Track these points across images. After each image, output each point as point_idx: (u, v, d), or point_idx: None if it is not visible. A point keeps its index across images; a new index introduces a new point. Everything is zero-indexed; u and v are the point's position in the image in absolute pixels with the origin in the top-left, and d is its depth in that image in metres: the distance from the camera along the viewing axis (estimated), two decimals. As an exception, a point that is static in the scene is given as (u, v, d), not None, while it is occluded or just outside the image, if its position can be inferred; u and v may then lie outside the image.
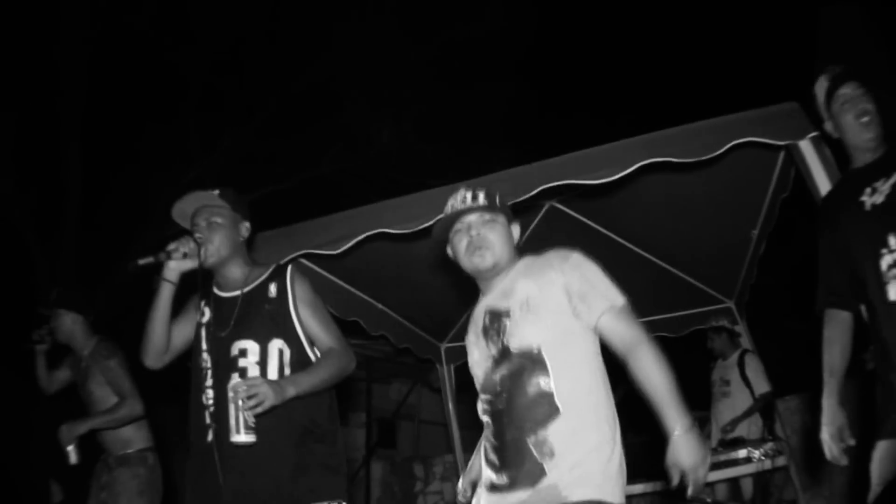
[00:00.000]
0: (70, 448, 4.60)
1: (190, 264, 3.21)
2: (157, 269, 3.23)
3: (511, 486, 2.51)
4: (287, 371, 3.17)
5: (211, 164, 12.91)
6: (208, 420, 3.13)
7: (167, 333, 3.28)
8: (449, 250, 2.87)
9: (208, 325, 3.28)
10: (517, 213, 4.24)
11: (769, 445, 5.42)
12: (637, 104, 11.52)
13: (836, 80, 3.08)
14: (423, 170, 11.73)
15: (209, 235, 3.25)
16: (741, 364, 6.70)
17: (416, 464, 8.73)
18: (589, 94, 12.93)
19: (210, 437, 3.10)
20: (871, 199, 2.95)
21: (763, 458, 5.38)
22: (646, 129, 4.18)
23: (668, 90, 12.13)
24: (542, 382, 2.50)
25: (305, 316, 3.22)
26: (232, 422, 2.96)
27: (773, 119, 3.84)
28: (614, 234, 6.27)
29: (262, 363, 3.16)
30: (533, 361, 2.53)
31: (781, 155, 4.40)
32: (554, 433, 2.47)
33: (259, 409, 2.86)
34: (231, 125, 12.97)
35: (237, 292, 3.30)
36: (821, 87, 3.14)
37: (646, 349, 2.51)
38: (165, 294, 3.24)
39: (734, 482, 6.35)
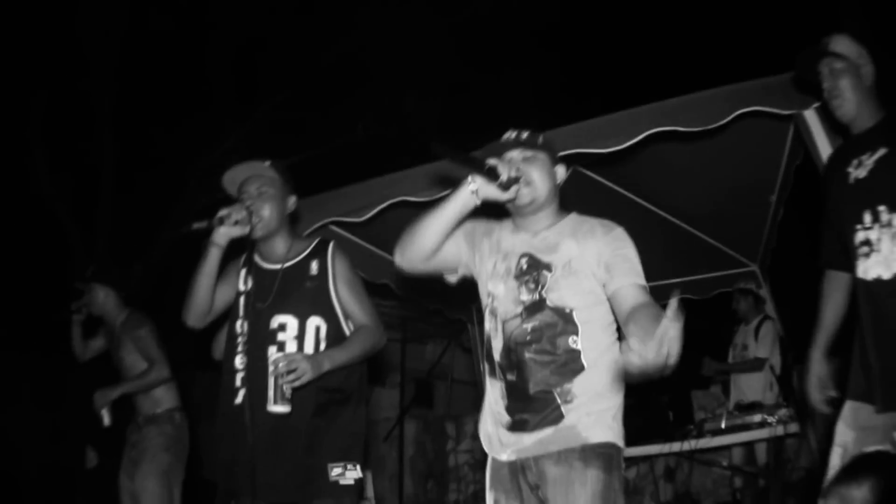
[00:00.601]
0: (103, 412, 4.93)
1: (239, 231, 3.30)
2: (208, 233, 3.31)
3: (532, 426, 2.65)
4: (322, 346, 3.31)
5: (243, 136, 12.95)
6: (238, 384, 3.29)
7: (212, 295, 3.37)
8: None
9: (248, 294, 3.37)
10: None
11: (783, 412, 5.47)
12: (657, 73, 11.41)
13: (819, 55, 3.14)
14: (448, 137, 11.83)
15: (259, 205, 3.34)
16: (757, 330, 6.75)
17: (448, 422, 8.88)
18: (610, 64, 12.92)
19: (239, 399, 3.26)
20: (856, 172, 3.02)
21: (777, 423, 5.43)
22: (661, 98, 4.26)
23: (686, 56, 12.01)
24: (571, 340, 2.64)
25: (343, 293, 3.34)
26: (270, 392, 3.08)
27: (779, 88, 3.88)
28: (639, 197, 6.32)
29: (300, 338, 3.31)
30: (566, 320, 2.65)
31: (792, 123, 4.42)
32: (578, 385, 2.62)
33: (297, 383, 3.06)
34: (263, 97, 13.07)
35: (278, 266, 3.40)
36: (808, 58, 3.20)
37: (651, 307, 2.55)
38: (213, 257, 3.32)
39: (749, 447, 6.41)
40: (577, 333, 2.65)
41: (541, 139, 2.83)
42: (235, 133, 13.01)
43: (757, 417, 5.65)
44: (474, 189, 2.64)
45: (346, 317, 3.36)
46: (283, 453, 3.23)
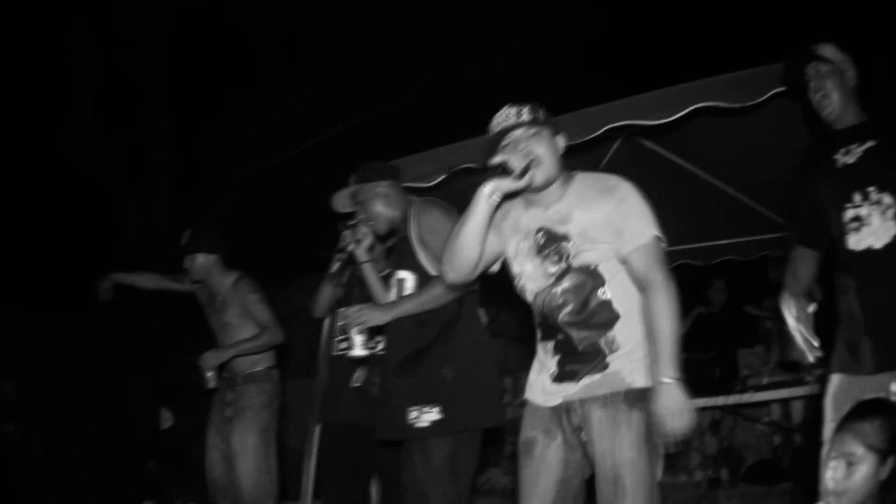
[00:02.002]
0: (210, 374, 5.03)
1: (367, 241, 3.93)
2: (350, 262, 4.01)
3: (581, 376, 2.82)
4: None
5: (295, 102, 13.14)
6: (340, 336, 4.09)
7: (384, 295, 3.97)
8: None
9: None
10: (592, 146, 4.70)
11: (820, 371, 5.44)
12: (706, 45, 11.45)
13: (806, 58, 3.42)
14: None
15: (367, 213, 3.92)
16: None
17: (506, 377, 8.86)
18: (654, 38, 12.99)
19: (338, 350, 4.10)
20: (844, 158, 3.30)
21: (814, 382, 5.62)
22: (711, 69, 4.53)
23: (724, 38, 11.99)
24: (601, 293, 2.81)
25: (425, 243, 3.74)
26: (349, 341, 3.71)
27: None
28: (685, 160, 6.57)
29: (399, 293, 3.80)
30: (592, 276, 2.81)
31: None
32: (619, 333, 2.81)
33: (362, 328, 3.65)
34: (315, 63, 13.15)
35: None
36: (796, 61, 3.49)
37: (661, 293, 2.75)
38: (368, 273, 4.00)
39: (786, 404, 6.76)
40: (604, 285, 2.80)
41: (540, 113, 2.89)
42: (287, 98, 13.19)
43: (794, 376, 5.94)
44: (489, 192, 2.75)
45: (435, 263, 3.65)
46: (383, 398, 3.77)
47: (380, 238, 4.05)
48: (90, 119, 12.37)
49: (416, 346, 3.66)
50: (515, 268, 2.99)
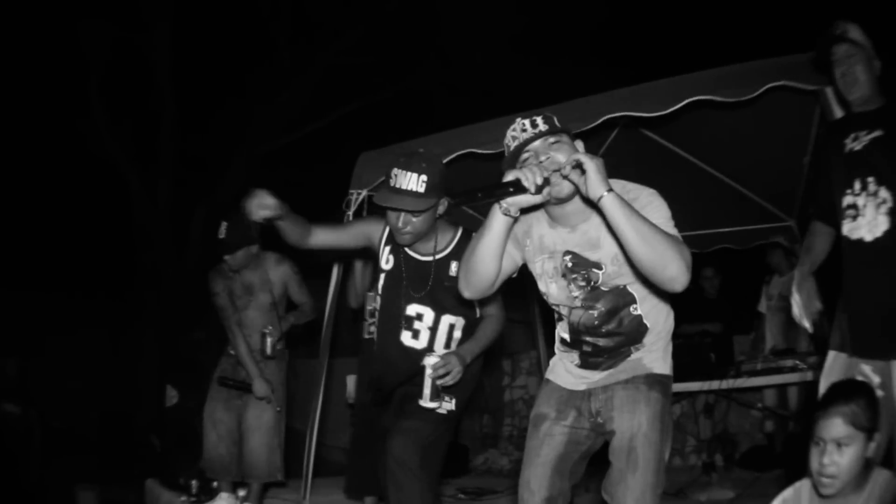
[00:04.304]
0: (269, 341, 5.18)
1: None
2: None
3: (604, 366, 2.90)
4: (454, 340, 3.61)
5: (304, 83, 13.16)
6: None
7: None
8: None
9: (391, 273, 3.62)
10: (591, 134, 4.73)
11: (814, 358, 5.67)
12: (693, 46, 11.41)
13: (833, 40, 3.44)
14: (512, 83, 11.56)
15: (405, 223, 3.43)
16: None
17: (505, 359, 9.05)
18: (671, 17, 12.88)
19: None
20: (852, 144, 3.38)
21: (808, 369, 5.68)
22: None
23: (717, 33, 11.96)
24: (632, 308, 2.83)
25: None
26: (427, 391, 3.45)
27: (805, 65, 4.18)
28: (683, 150, 6.65)
29: (433, 330, 3.59)
30: (623, 295, 2.82)
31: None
32: (646, 341, 2.88)
33: (448, 383, 3.43)
34: (323, 46, 13.16)
35: (430, 258, 3.56)
36: (823, 43, 3.50)
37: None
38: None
39: (782, 393, 6.78)
40: (635, 301, 2.82)
41: (556, 121, 2.78)
42: (296, 79, 13.21)
43: (789, 362, 5.93)
44: (505, 209, 2.63)
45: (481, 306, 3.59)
46: (393, 386, 3.74)
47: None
48: (99, 102, 12.44)
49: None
50: (541, 286, 2.96)
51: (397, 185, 3.36)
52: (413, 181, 3.34)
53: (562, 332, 3.01)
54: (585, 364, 2.95)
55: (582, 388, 2.94)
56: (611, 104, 4.68)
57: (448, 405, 3.57)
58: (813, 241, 3.65)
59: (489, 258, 2.75)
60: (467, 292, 2.87)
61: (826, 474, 2.74)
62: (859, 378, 3.21)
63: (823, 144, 3.68)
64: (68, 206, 13.14)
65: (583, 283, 2.82)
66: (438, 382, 3.42)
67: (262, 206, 3.31)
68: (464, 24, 12.34)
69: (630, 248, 2.51)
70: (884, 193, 3.28)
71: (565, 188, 2.66)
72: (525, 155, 2.71)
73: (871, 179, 3.32)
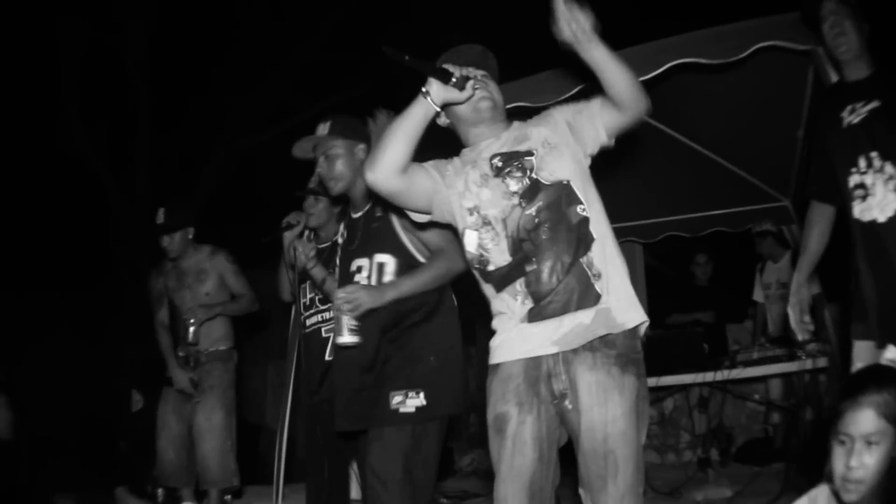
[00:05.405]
0: (193, 329, 5.12)
1: (316, 221, 3.88)
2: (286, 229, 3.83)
3: (564, 309, 2.56)
4: (386, 280, 3.39)
5: (280, 78, 13.15)
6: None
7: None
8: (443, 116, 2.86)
9: (344, 243, 3.63)
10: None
11: (812, 346, 5.52)
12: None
13: None
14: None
15: (329, 168, 3.55)
16: (794, 264, 6.74)
17: (472, 347, 8.88)
18: None
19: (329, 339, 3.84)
20: (849, 118, 3.22)
21: (806, 357, 5.51)
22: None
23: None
24: (579, 209, 2.61)
25: (408, 225, 3.30)
26: (337, 326, 3.28)
27: (796, 25, 3.88)
28: (669, 128, 6.39)
29: (369, 277, 3.43)
30: (567, 192, 2.62)
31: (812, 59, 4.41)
32: (595, 255, 2.59)
33: (356, 313, 3.23)
34: (298, 38, 13.13)
35: (360, 213, 3.57)
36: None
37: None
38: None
39: (787, 380, 6.49)
40: (580, 202, 2.62)
41: (491, 58, 2.88)
42: (270, 76, 13.18)
43: (787, 351, 5.72)
44: (428, 91, 2.62)
45: (421, 247, 3.42)
46: (352, 382, 3.39)
47: (332, 199, 3.80)
48: (72, 102, 12.34)
49: (402, 327, 3.39)
50: (465, 204, 2.74)
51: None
52: (321, 128, 3.60)
53: (499, 257, 2.68)
54: (536, 310, 2.61)
55: (539, 353, 2.61)
56: (583, 73, 4.30)
57: (415, 401, 3.27)
58: (810, 235, 3.52)
59: (400, 137, 2.67)
60: (370, 173, 2.72)
61: (853, 479, 2.27)
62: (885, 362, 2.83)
63: (817, 115, 3.55)
64: (43, 206, 13.06)
65: (518, 174, 2.67)
66: (342, 314, 3.25)
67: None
68: (440, 14, 12.16)
69: (613, 73, 2.53)
70: (890, 169, 3.13)
71: (485, 101, 2.75)
72: (459, 64, 2.72)
73: (874, 154, 3.18)
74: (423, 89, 2.63)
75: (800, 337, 3.49)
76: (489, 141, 2.79)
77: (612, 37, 2.54)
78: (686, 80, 4.51)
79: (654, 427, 7.11)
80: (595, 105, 2.69)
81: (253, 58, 13.27)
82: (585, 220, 2.61)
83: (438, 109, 2.68)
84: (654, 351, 5.34)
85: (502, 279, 2.67)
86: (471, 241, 2.72)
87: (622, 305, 2.60)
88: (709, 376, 5.78)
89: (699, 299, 7.31)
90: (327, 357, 4.20)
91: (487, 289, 2.75)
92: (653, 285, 7.99)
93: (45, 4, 11.85)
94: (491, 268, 2.69)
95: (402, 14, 12.65)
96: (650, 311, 7.29)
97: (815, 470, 2.51)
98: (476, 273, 2.79)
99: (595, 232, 2.61)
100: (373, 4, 12.90)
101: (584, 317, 2.56)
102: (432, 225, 3.11)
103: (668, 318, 7.36)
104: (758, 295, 7.22)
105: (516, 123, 2.83)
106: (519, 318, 2.64)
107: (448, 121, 2.88)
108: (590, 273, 2.57)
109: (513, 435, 2.61)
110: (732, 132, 6.07)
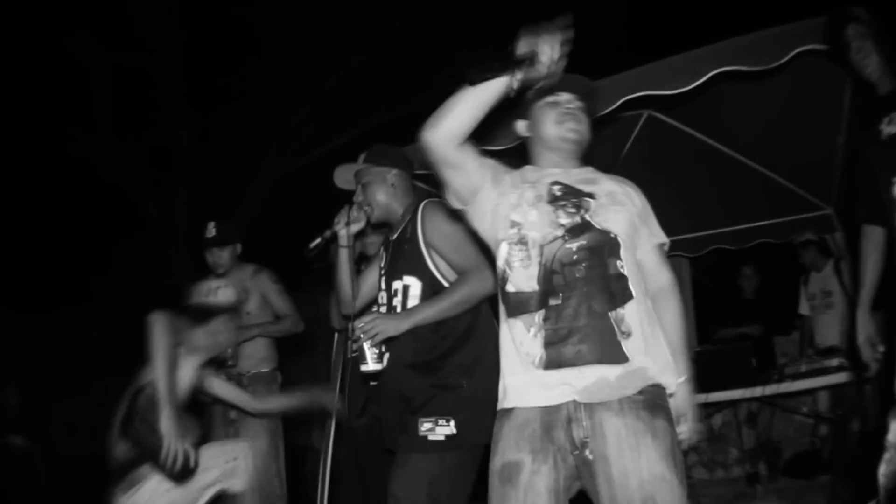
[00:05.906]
0: (230, 350, 4.84)
1: (356, 227, 3.61)
2: (333, 240, 3.65)
3: (585, 359, 2.37)
4: (411, 304, 3.38)
5: (318, 103, 13.22)
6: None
7: (352, 288, 3.65)
8: (521, 124, 2.82)
9: (383, 265, 3.65)
10: (614, 123, 4.44)
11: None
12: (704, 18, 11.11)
13: (846, 19, 3.39)
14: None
15: (364, 196, 3.63)
16: (838, 272, 6.69)
17: None
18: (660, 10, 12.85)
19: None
20: (888, 128, 3.19)
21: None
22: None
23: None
24: (619, 264, 2.47)
25: (436, 248, 3.35)
26: (360, 354, 3.29)
27: None
28: (714, 140, 6.34)
29: (403, 301, 3.43)
30: (611, 245, 2.48)
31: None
32: (629, 313, 2.42)
33: (376, 341, 3.26)
34: (336, 65, 13.17)
35: (395, 235, 3.59)
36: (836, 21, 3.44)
37: (673, 299, 2.69)
38: (343, 258, 3.64)
39: (835, 391, 6.38)
40: (621, 259, 2.48)
41: (594, 94, 2.81)
42: (308, 102, 13.26)
43: (835, 362, 5.60)
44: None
45: (447, 270, 3.38)
46: (385, 407, 3.46)
47: (372, 226, 3.78)
48: (108, 125, 12.46)
49: (433, 356, 3.34)
50: (512, 217, 2.57)
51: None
52: (360, 159, 3.69)
53: (523, 283, 2.51)
54: (553, 354, 2.41)
55: (557, 402, 2.40)
56: (628, 85, 4.22)
57: (445, 429, 3.22)
58: (867, 267, 3.48)
59: (467, 105, 2.50)
60: (427, 131, 2.55)
61: None
62: None
63: (858, 123, 3.58)
64: (84, 229, 13.21)
65: (572, 210, 2.54)
66: (363, 343, 3.27)
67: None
68: (476, 34, 12.04)
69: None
70: None
71: (574, 135, 2.69)
72: (551, 98, 2.72)
73: None
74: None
75: (872, 368, 3.40)
76: (557, 170, 2.69)
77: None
78: (724, 89, 4.43)
79: (703, 444, 7.00)
80: (646, 232, 2.68)
81: (291, 84, 13.37)
82: (624, 277, 2.47)
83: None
84: (703, 367, 5.31)
85: (519, 305, 2.51)
86: (501, 254, 2.58)
87: (657, 367, 2.45)
88: (757, 391, 5.68)
89: (746, 313, 7.25)
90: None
91: (501, 309, 2.60)
92: (700, 300, 7.94)
93: (76, 28, 12.00)
94: (510, 288, 2.55)
95: (428, 32, 12.74)
96: (697, 326, 7.20)
97: (861, 481, 2.46)
98: (498, 289, 2.65)
99: (635, 291, 2.48)
100: (404, 27, 12.99)
101: (608, 372, 2.38)
102: (452, 248, 3.27)
103: (715, 333, 7.31)
104: (804, 308, 7.12)
105: (591, 168, 2.76)
106: (530, 359, 2.46)
107: (525, 127, 2.82)
108: (617, 329, 2.41)
109: (525, 486, 2.37)
110: (773, 140, 6.00)
